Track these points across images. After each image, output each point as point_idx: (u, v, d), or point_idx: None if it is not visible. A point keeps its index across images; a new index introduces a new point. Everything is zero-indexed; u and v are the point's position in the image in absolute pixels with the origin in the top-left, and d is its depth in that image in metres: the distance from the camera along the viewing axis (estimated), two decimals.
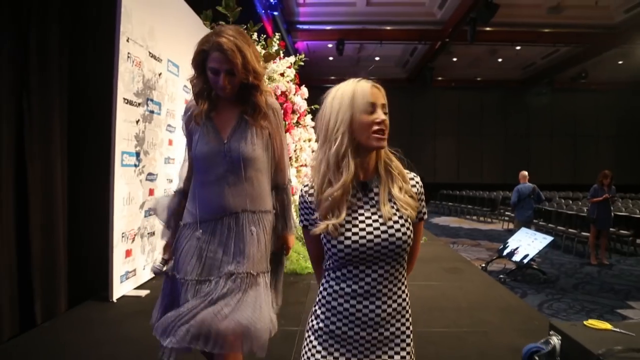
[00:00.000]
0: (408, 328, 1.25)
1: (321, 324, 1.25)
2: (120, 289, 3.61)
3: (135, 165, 3.76)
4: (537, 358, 2.27)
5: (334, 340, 1.22)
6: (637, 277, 6.95)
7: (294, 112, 3.90)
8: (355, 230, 1.18)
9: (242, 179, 1.64)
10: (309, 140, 4.44)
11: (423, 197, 1.27)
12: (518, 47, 14.95)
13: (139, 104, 3.78)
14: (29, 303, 3.01)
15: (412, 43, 14.62)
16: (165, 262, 1.71)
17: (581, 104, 20.15)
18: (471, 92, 20.52)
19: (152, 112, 4.03)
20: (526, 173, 8.11)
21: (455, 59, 17.06)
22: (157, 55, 4.11)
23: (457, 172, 20.83)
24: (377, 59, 16.99)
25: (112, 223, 3.44)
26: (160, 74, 4.19)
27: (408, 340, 1.25)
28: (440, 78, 19.03)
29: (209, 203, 1.64)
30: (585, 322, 2.29)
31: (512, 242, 7.03)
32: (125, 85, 3.53)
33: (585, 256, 8.22)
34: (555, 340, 2.21)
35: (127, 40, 3.53)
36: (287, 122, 3.77)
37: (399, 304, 1.23)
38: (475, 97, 20.56)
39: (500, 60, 17.40)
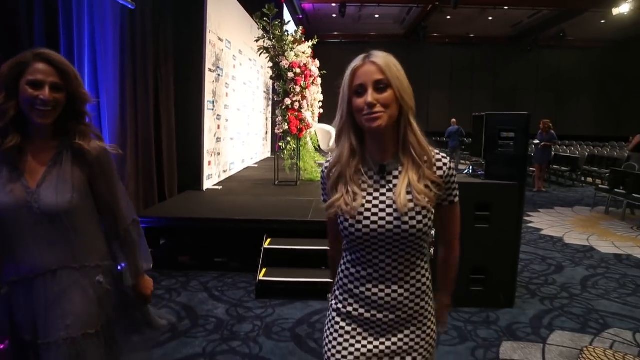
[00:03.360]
0: (427, 310, 1.25)
1: (339, 305, 1.27)
2: (206, 183, 5.97)
3: (211, 110, 6.03)
4: None
5: (352, 321, 1.24)
6: (555, 197, 9.38)
7: (311, 76, 6.08)
8: (368, 214, 1.16)
9: (60, 232, 1.40)
10: (321, 100, 6.62)
11: (452, 179, 1.21)
12: (506, 8, 16.67)
13: (213, 71, 6.00)
14: (161, 189, 5.36)
15: (406, 5, 16.39)
16: None
17: (565, 60, 21.92)
18: (463, 48, 22.25)
19: (219, 75, 6.25)
20: (454, 120, 13.42)
21: (448, 17, 18.74)
22: (221, 37, 6.28)
23: (448, 122, 22.92)
24: (376, 16, 18.71)
25: (203, 144, 5.75)
26: (222, 50, 6.38)
27: (426, 322, 1.25)
28: (435, 34, 20.75)
29: (18, 262, 1.40)
30: None
31: None
32: (208, 59, 5.73)
33: (531, 185, 10.59)
34: None
35: (209, 32, 5.70)
36: (306, 83, 5.96)
37: (418, 288, 1.21)
38: (467, 53, 22.31)
39: (490, 18, 19.07)
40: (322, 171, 1.29)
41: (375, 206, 1.17)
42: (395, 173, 1.18)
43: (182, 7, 5.72)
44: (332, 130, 8.88)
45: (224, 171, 6.90)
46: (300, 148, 6.40)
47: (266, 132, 11.19)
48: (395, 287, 1.19)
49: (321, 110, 7.72)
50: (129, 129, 4.61)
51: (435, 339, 1.29)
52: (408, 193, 1.15)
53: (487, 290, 3.59)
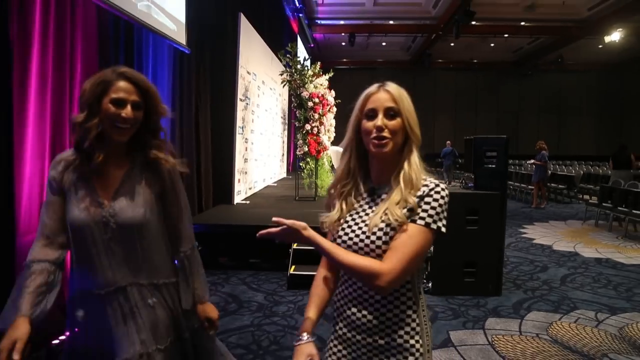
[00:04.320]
0: (413, 345, 1.19)
1: (335, 327, 1.31)
2: (236, 198, 6.83)
3: (241, 134, 6.92)
4: None
5: (339, 341, 1.28)
6: (552, 212, 10.11)
7: (327, 105, 6.97)
8: (346, 231, 1.23)
9: (131, 248, 1.43)
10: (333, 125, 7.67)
11: (427, 200, 1.16)
12: (506, 36, 17.68)
13: (243, 100, 6.92)
14: (199, 203, 6.22)
15: (411, 35, 17.46)
16: None
17: (565, 83, 22.82)
18: (467, 72, 23.26)
19: (247, 104, 7.18)
20: (449, 142, 14.95)
21: (452, 44, 19.82)
22: (249, 71, 7.23)
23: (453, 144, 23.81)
24: (383, 44, 19.82)
25: (234, 163, 6.62)
26: (249, 82, 7.32)
27: (412, 358, 1.19)
28: (440, 60, 21.82)
29: (92, 277, 1.41)
30: None
31: None
32: (239, 90, 6.66)
33: (530, 202, 11.34)
34: None
35: (240, 67, 6.64)
36: (324, 111, 6.84)
37: (396, 315, 1.19)
38: (471, 77, 23.31)
39: (492, 45, 20.13)
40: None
41: (355, 224, 1.23)
42: (384, 196, 1.22)
43: (219, 46, 6.68)
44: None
45: (249, 188, 7.77)
46: (318, 167, 7.26)
47: (282, 154, 12.09)
48: (370, 309, 1.20)
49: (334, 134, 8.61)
50: (176, 151, 5.51)
51: None
52: (385, 214, 1.17)
53: (478, 281, 4.36)
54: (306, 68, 6.78)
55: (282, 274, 4.92)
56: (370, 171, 1.27)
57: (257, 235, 1.21)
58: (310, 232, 1.18)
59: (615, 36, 14.21)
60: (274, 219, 1.21)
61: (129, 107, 1.36)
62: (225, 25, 6.79)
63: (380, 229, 1.16)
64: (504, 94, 23.42)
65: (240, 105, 6.74)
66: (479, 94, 23.51)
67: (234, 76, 6.56)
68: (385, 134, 1.17)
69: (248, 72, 7.20)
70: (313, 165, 7.07)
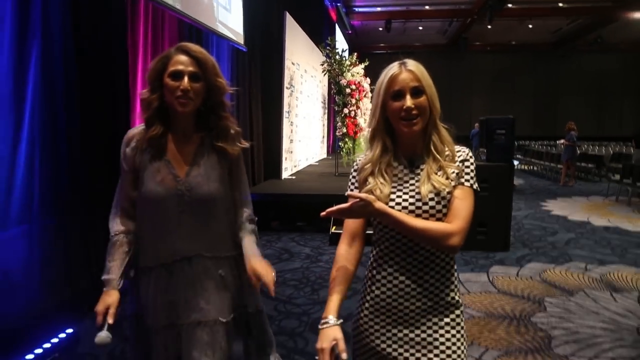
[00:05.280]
0: (453, 298, 1.30)
1: (368, 295, 1.35)
2: (284, 174, 7.86)
3: (287, 118, 7.92)
4: None
5: (380, 311, 1.32)
6: (577, 190, 10.66)
7: (363, 91, 7.86)
8: (398, 200, 1.28)
9: (200, 221, 1.50)
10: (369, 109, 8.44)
11: (466, 164, 1.30)
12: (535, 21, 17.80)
13: (288, 88, 7.91)
14: (252, 178, 7.29)
15: (446, 20, 17.91)
16: (110, 327, 1.38)
17: (605, 64, 22.57)
18: (505, 54, 23.35)
19: (292, 91, 8.16)
20: (477, 124, 14.52)
21: (490, 27, 20.05)
22: (294, 62, 8.19)
23: None
24: (420, 28, 20.28)
25: (282, 144, 7.64)
26: (294, 72, 8.29)
27: (457, 312, 1.31)
28: (477, 43, 22.04)
29: (160, 248, 1.49)
30: None
31: None
32: (285, 79, 7.64)
33: (558, 180, 11.86)
34: None
35: (286, 59, 7.61)
36: (360, 96, 7.72)
37: (442, 275, 1.29)
38: (508, 59, 23.38)
39: (530, 26, 20.21)
40: (354, 166, 1.40)
41: (404, 193, 1.28)
42: (422, 166, 1.29)
43: (267, 42, 7.67)
44: None
45: (294, 166, 8.80)
46: (355, 147, 8.18)
47: (323, 137, 13.06)
48: (421, 274, 1.27)
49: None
50: None
51: (464, 335, 1.32)
52: (431, 184, 1.25)
53: (488, 238, 5.21)
54: (344, 58, 7.67)
55: (324, 234, 5.91)
56: (400, 146, 1.33)
57: (324, 213, 1.22)
58: (380, 204, 1.21)
59: None
60: (348, 193, 1.26)
61: (185, 79, 1.39)
62: (272, 24, 7.76)
63: (432, 198, 1.24)
64: (542, 76, 23.36)
65: (286, 93, 7.73)
66: (515, 76, 23.55)
67: (281, 68, 7.54)
68: (415, 112, 1.23)
69: (292, 63, 8.17)
70: (351, 145, 7.99)
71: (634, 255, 5.14)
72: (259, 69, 7.46)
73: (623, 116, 22.91)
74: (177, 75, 1.39)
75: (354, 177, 1.40)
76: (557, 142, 11.55)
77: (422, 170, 1.29)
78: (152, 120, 1.45)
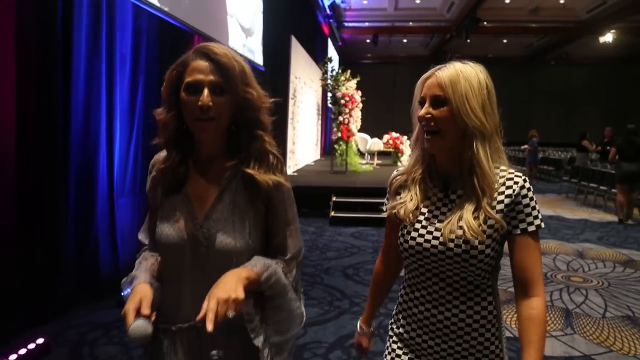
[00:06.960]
0: (493, 351, 1.11)
1: (398, 330, 1.22)
2: (287, 171, 9.32)
3: (290, 123, 9.39)
4: None
5: (409, 349, 1.18)
6: (537, 189, 12.31)
7: (355, 102, 9.37)
8: (423, 229, 1.10)
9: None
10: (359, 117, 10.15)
11: (525, 201, 1.07)
12: (505, 41, 19.65)
13: (292, 98, 9.38)
14: None
15: (428, 35, 19.64)
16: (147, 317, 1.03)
17: (572, 76, 24.61)
18: (483, 66, 25.15)
19: (295, 101, 9.64)
20: None
21: (468, 40, 21.87)
22: (297, 76, 9.68)
23: None
24: (404, 41, 22.00)
25: (287, 145, 9.09)
26: (296, 84, 9.78)
27: (492, 355, 1.12)
28: (457, 55, 23.75)
29: (166, 307, 1.13)
30: None
31: None
32: (290, 91, 9.11)
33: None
34: None
35: (291, 74, 9.08)
36: (352, 106, 9.22)
37: (482, 316, 1.10)
38: (486, 70, 25.18)
39: (505, 41, 22.09)
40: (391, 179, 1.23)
41: (431, 224, 1.10)
42: (459, 192, 1.10)
43: (276, 60, 9.15)
44: (366, 137, 12.22)
45: (295, 164, 10.27)
46: (348, 149, 9.70)
47: (317, 140, 14.57)
48: (452, 313, 1.09)
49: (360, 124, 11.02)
50: None
51: None
52: (459, 219, 1.05)
53: None
54: (339, 74, 9.19)
55: (325, 218, 7.37)
56: (437, 159, 1.13)
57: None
58: None
59: (608, 37, 16.07)
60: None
61: (205, 92, 1.02)
62: (281, 45, 9.24)
63: (452, 240, 1.05)
64: (516, 87, 25.27)
65: (290, 103, 9.20)
66: (495, 87, 25.33)
67: (287, 81, 9.02)
68: (432, 123, 1.06)
69: (296, 77, 9.65)
70: (344, 147, 9.49)
71: (563, 234, 6.73)
72: (270, 83, 8.92)
73: (588, 125, 24.90)
74: (195, 88, 1.04)
75: (388, 189, 1.25)
76: (521, 147, 13.20)
77: (458, 197, 1.10)
78: (169, 145, 1.13)
